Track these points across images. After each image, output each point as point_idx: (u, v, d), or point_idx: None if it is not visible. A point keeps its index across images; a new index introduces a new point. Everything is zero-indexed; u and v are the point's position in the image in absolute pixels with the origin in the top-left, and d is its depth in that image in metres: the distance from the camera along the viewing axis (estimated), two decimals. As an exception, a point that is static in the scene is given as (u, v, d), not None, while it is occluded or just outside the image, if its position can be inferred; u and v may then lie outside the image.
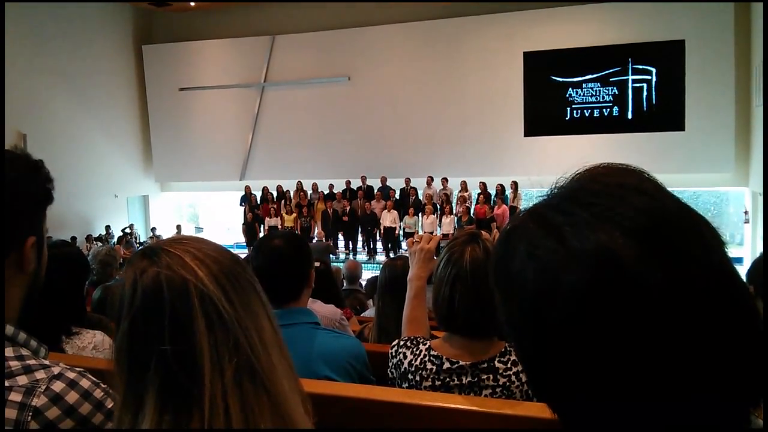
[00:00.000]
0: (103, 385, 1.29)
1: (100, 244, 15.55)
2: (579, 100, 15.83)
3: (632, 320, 0.55)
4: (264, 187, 17.86)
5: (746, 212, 14.52)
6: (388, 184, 16.77)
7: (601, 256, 0.56)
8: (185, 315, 0.83)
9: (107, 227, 17.70)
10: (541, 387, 0.66)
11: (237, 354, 0.83)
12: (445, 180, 16.15)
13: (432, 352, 1.89)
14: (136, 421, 0.83)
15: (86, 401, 1.26)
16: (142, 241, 18.25)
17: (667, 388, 0.55)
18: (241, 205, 17.98)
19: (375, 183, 16.96)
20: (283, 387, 0.86)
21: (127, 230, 18.14)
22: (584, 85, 15.76)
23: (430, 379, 1.86)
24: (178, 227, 18.84)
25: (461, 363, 1.84)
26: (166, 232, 18.85)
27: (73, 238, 15.04)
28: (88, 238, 16.67)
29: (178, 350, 0.82)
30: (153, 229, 19.23)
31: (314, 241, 15.58)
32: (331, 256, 13.83)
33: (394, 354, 1.97)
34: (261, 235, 16.05)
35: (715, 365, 0.55)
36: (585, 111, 15.80)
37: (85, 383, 1.28)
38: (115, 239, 17.12)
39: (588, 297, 0.56)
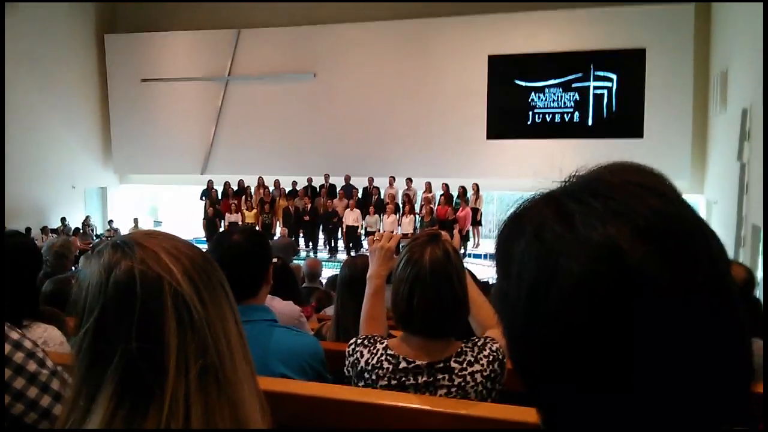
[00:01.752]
0: (39, 345, 1.41)
1: (56, 236, 15.24)
2: (541, 104, 16.03)
3: (626, 317, 0.55)
4: (226, 182, 17.69)
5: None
6: (351, 182, 16.76)
7: (605, 249, 0.56)
8: (156, 313, 0.81)
9: (62, 219, 17.34)
10: (523, 369, 0.66)
11: (204, 356, 0.82)
12: (409, 180, 16.22)
13: (389, 352, 1.89)
14: (86, 417, 0.80)
15: (31, 359, 1.37)
16: (98, 233, 17.92)
17: (649, 389, 0.56)
18: (201, 199, 17.78)
19: (338, 181, 16.92)
20: (244, 392, 0.85)
21: (84, 222, 17.80)
22: (547, 90, 15.96)
23: (386, 378, 1.86)
24: (135, 220, 18.50)
25: (417, 363, 1.85)
26: (124, 225, 18.55)
27: (28, 229, 14.70)
28: (44, 230, 16.32)
29: (145, 348, 0.79)
30: (110, 222, 18.89)
31: (275, 238, 15.48)
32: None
33: (351, 352, 1.97)
34: (221, 230, 15.89)
35: (699, 376, 0.56)
36: (547, 116, 16.01)
37: (27, 344, 1.39)
38: (72, 231, 16.76)
39: (585, 287, 0.57)
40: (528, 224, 0.64)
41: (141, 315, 0.80)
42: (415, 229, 14.96)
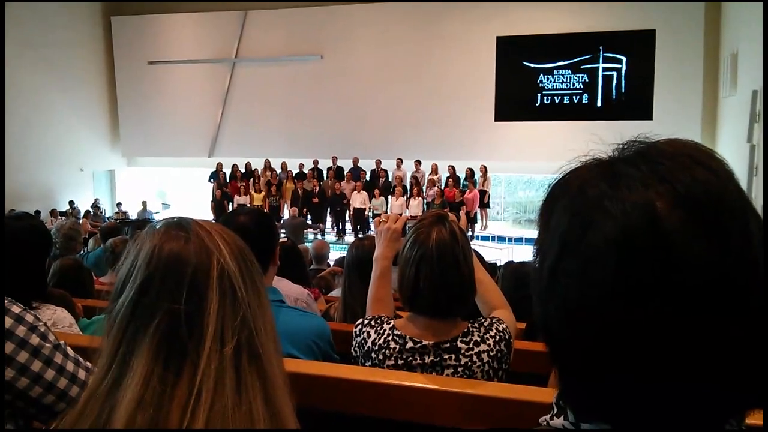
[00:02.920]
0: (41, 319, 1.42)
1: (65, 218, 15.28)
2: (550, 86, 15.92)
3: (652, 281, 0.56)
4: (233, 165, 17.70)
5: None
6: (359, 165, 16.74)
7: (642, 211, 0.57)
8: (203, 282, 0.89)
9: (71, 202, 17.40)
10: (545, 327, 0.66)
11: (241, 331, 0.88)
12: (418, 162, 16.18)
13: (396, 332, 1.90)
14: (121, 373, 0.86)
15: (33, 333, 1.38)
16: (108, 216, 17.98)
17: (667, 359, 0.56)
18: (209, 181, 17.81)
19: (346, 163, 16.90)
20: (274, 370, 0.92)
21: (94, 204, 17.87)
22: (555, 72, 15.85)
23: (393, 358, 1.87)
24: (144, 203, 18.57)
25: (424, 343, 1.85)
26: (132, 208, 18.62)
27: (37, 212, 14.77)
28: (53, 213, 16.39)
29: (189, 311, 0.86)
30: (119, 205, 18.95)
31: (285, 218, 15.52)
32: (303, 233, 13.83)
33: (358, 333, 1.98)
34: (228, 211, 15.87)
35: (721, 355, 0.56)
36: (555, 97, 15.91)
37: (29, 317, 1.40)
38: (82, 214, 16.81)
39: (616, 243, 0.58)
40: (576, 181, 0.65)
41: (190, 282, 0.88)
42: (423, 211, 14.92)
